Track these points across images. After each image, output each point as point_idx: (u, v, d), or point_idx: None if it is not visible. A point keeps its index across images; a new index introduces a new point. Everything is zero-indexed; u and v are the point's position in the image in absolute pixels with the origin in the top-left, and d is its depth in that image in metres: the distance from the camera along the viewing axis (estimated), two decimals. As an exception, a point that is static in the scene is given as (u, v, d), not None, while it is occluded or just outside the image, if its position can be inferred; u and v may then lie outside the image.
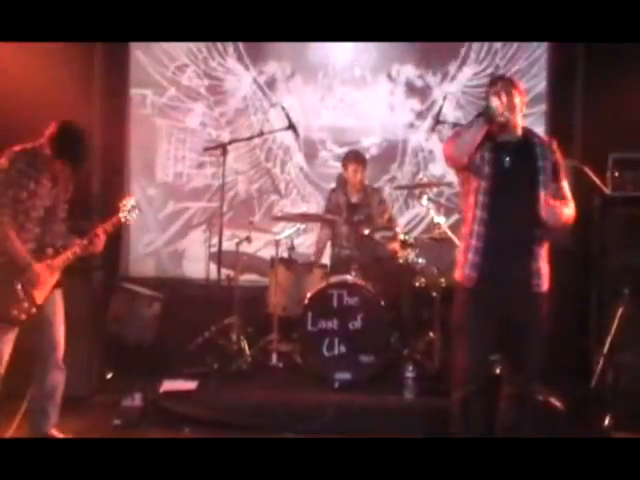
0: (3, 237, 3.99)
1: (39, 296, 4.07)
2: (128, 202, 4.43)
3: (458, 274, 3.74)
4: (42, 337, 4.19)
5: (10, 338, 4.11)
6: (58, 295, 4.24)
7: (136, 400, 4.73)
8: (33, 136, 4.20)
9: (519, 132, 3.69)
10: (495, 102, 3.54)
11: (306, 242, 6.34)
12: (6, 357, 4.12)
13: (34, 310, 4.04)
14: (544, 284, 3.67)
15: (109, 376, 5.35)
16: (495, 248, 3.63)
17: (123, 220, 4.39)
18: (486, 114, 3.54)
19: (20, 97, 5.25)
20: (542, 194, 3.60)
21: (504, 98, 3.58)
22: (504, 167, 3.63)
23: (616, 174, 5.30)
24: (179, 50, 6.61)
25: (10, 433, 4.27)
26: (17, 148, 4.10)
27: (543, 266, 3.68)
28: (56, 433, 4.27)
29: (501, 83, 3.67)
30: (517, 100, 3.65)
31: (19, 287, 3.99)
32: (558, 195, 3.69)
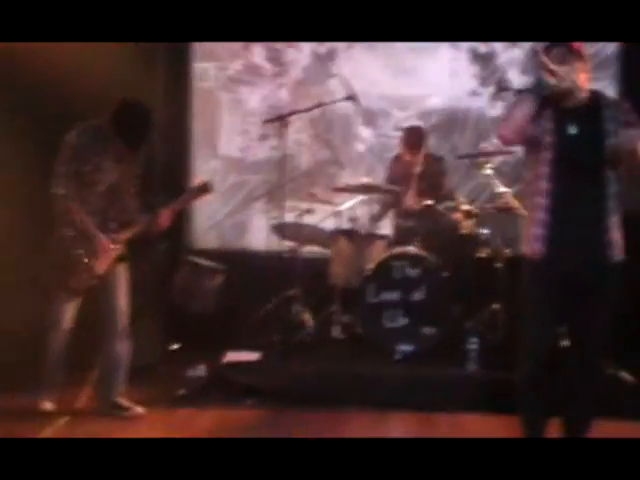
0: (66, 210, 4.10)
1: (100, 268, 4.15)
2: (199, 183, 4.46)
3: (525, 248, 3.64)
4: (107, 308, 4.30)
5: (71, 307, 4.25)
6: (122, 268, 4.31)
7: (200, 370, 4.83)
8: (97, 112, 4.27)
9: (584, 96, 3.54)
10: (546, 77, 3.38)
11: (368, 214, 6.27)
12: (68, 324, 4.27)
13: (94, 281, 4.14)
14: (617, 255, 3.55)
15: (174, 347, 5.44)
16: (563, 220, 3.51)
17: (191, 200, 4.50)
18: (535, 90, 3.41)
19: (83, 73, 5.30)
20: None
21: (558, 68, 3.42)
22: (568, 135, 3.48)
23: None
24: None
25: (82, 403, 4.40)
26: (82, 124, 4.18)
27: (615, 236, 3.55)
28: (124, 402, 4.37)
29: (556, 50, 3.47)
30: (576, 64, 3.47)
31: (80, 258, 4.08)
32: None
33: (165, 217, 4.31)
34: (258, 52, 6.61)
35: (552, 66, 3.42)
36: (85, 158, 4.12)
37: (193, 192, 4.48)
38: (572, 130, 3.49)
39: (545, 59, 3.47)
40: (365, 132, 6.62)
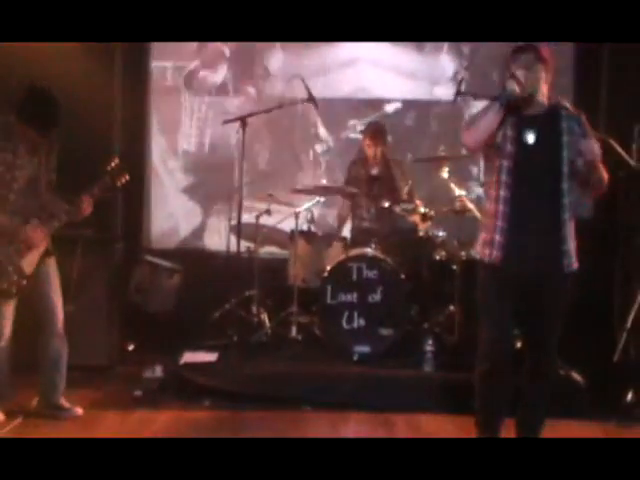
0: None
1: (28, 266, 4.07)
2: (114, 164, 4.30)
3: (481, 252, 3.69)
4: (39, 307, 4.22)
5: (8, 311, 4.12)
6: (50, 264, 4.24)
7: (157, 371, 4.80)
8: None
9: (545, 104, 3.60)
10: (512, 85, 3.43)
11: (327, 215, 6.31)
12: (7, 330, 4.15)
13: (24, 282, 4.06)
14: (571, 264, 3.63)
15: (131, 348, 5.40)
16: (519, 228, 3.57)
17: (110, 183, 4.27)
18: (503, 99, 3.45)
19: (39, 71, 5.22)
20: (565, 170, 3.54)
21: (525, 75, 3.47)
22: (527, 144, 3.54)
23: (642, 145, 5.21)
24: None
25: (32, 406, 4.33)
26: None
27: (570, 246, 3.63)
28: (64, 402, 4.31)
29: (523, 57, 3.53)
30: (542, 73, 3.55)
31: (6, 261, 3.99)
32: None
33: (86, 205, 4.17)
34: (219, 50, 6.59)
35: (518, 72, 3.47)
36: None
37: (110, 175, 4.27)
38: (531, 139, 3.54)
39: (512, 65, 3.54)
40: (324, 134, 6.64)
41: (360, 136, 6.12)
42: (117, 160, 4.33)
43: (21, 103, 4.00)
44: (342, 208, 6.05)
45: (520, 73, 3.48)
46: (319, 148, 6.67)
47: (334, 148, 6.65)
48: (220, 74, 6.64)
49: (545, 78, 3.58)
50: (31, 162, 4.10)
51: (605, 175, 3.60)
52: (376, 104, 6.60)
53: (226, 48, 6.61)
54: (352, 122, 6.63)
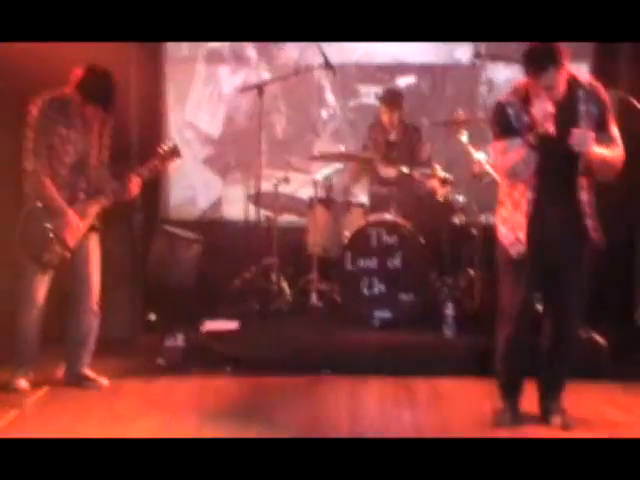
0: (38, 184, 4.08)
1: (72, 240, 4.13)
2: (167, 147, 4.39)
3: (506, 242, 3.68)
4: (76, 281, 4.29)
5: (44, 281, 4.21)
6: (93, 240, 4.30)
7: (179, 340, 4.82)
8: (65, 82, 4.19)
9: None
10: (546, 127, 3.41)
11: (344, 182, 6.27)
12: (41, 300, 4.23)
13: (67, 254, 4.13)
14: (595, 236, 3.61)
15: (152, 318, 5.43)
16: (541, 215, 3.58)
17: (159, 166, 4.37)
18: (537, 142, 3.45)
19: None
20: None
21: (552, 98, 3.43)
22: (548, 144, 3.48)
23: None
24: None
25: (58, 376, 4.38)
26: (46, 95, 4.13)
27: (594, 221, 3.61)
28: (90, 373, 4.37)
29: (544, 76, 3.41)
30: (564, 75, 3.48)
31: (51, 232, 4.05)
32: (606, 141, 3.56)
33: (133, 185, 4.27)
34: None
35: (550, 109, 3.41)
36: (51, 130, 4.08)
37: (161, 157, 4.39)
38: (552, 131, 3.47)
39: (535, 91, 3.46)
40: (341, 100, 6.59)
41: (374, 102, 6.05)
42: (171, 143, 4.44)
43: (83, 80, 4.07)
44: (353, 173, 5.99)
45: (548, 108, 3.42)
46: (324, 114, 6.60)
47: (345, 115, 6.57)
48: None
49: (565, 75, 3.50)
50: (84, 138, 4.17)
51: (615, 157, 3.56)
52: (390, 71, 6.52)
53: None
54: (365, 89, 6.56)
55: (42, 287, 4.22)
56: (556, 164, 3.54)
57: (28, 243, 4.12)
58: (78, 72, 4.11)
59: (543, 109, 3.42)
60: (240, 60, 6.55)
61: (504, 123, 3.60)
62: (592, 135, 3.46)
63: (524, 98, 3.56)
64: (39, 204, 4.10)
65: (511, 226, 3.65)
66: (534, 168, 3.52)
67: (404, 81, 6.49)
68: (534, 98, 3.48)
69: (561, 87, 3.47)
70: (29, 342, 4.29)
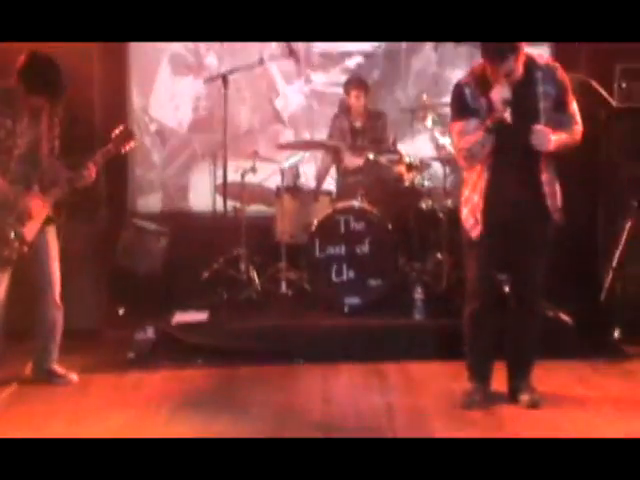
0: None
1: (29, 233, 4.05)
2: (119, 130, 4.29)
3: (465, 223, 3.75)
4: (37, 275, 4.22)
5: (3, 277, 4.12)
6: (50, 232, 4.23)
7: (149, 333, 4.80)
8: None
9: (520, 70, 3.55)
10: (504, 113, 3.46)
11: (310, 170, 6.26)
12: (2, 296, 4.14)
13: (25, 248, 4.04)
14: (554, 205, 3.66)
15: (121, 311, 5.41)
16: (500, 193, 3.63)
17: (113, 150, 4.26)
18: (496, 126, 3.49)
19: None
20: (539, 124, 3.54)
21: (511, 85, 3.47)
22: (504, 128, 3.52)
23: (623, 85, 5.19)
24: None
25: (26, 373, 4.33)
26: None
27: (552, 188, 3.66)
28: (58, 369, 4.31)
29: (504, 65, 3.45)
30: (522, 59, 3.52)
31: (8, 227, 3.97)
32: (565, 122, 3.61)
33: (88, 172, 4.16)
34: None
35: (505, 92, 3.45)
36: None
37: (114, 141, 4.26)
38: (506, 115, 3.49)
39: (495, 78, 3.49)
40: (306, 88, 6.57)
41: (340, 89, 6.04)
42: (123, 127, 4.32)
43: (24, 70, 3.96)
44: (322, 162, 6.00)
45: (506, 94, 3.45)
46: (279, 103, 6.58)
47: (314, 102, 6.57)
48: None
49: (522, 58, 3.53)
50: (32, 129, 4.07)
51: (574, 137, 3.64)
52: (336, 57, 6.51)
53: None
54: (320, 76, 6.55)
55: (2, 284, 4.14)
56: (514, 145, 3.58)
57: None
58: (20, 60, 3.98)
59: (501, 94, 3.46)
60: (201, 67, 6.50)
61: (462, 104, 3.65)
62: (550, 132, 3.53)
63: (482, 80, 3.60)
64: None
65: (471, 207, 3.70)
66: (490, 150, 3.56)
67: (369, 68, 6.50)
68: (492, 82, 3.52)
69: (519, 71, 3.51)
70: None
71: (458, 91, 3.67)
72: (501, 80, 3.48)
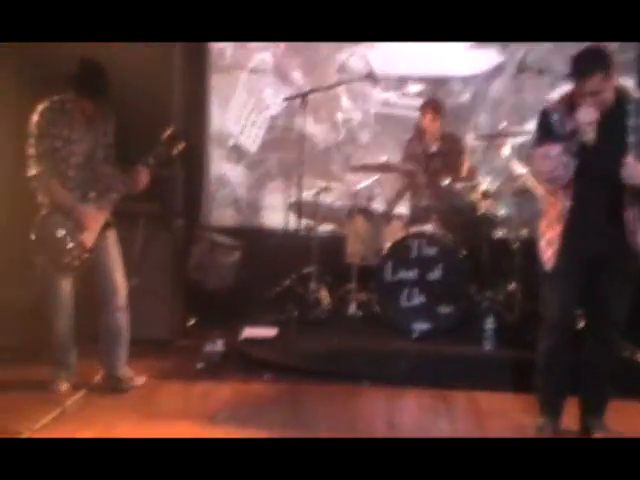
0: (46, 188, 4.09)
1: (89, 241, 4.13)
2: (168, 134, 4.30)
3: (544, 256, 3.68)
4: (100, 281, 4.27)
5: (68, 284, 4.23)
6: (110, 237, 4.29)
7: (218, 345, 4.87)
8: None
9: (611, 99, 3.48)
10: (588, 134, 3.38)
11: (383, 192, 6.26)
12: (68, 303, 4.26)
13: (85, 255, 4.12)
14: (637, 242, 3.58)
15: (192, 322, 5.48)
16: (583, 226, 3.56)
17: (164, 153, 4.28)
18: (577, 146, 3.41)
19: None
20: (631, 156, 3.45)
21: (596, 104, 3.39)
22: (589, 151, 3.44)
23: None
24: None
25: (97, 379, 4.42)
26: (45, 101, 4.13)
27: (636, 225, 3.58)
28: (127, 373, 4.39)
29: (589, 82, 3.38)
30: (611, 84, 3.44)
31: (68, 235, 4.06)
32: None
33: (141, 175, 4.20)
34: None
35: (594, 116, 3.38)
36: (54, 134, 4.07)
37: (163, 144, 4.28)
38: (594, 141, 3.43)
39: (580, 94, 3.43)
40: (383, 110, 6.59)
41: (416, 113, 6.04)
42: (171, 130, 4.32)
43: (73, 75, 4.08)
44: (396, 186, 5.99)
45: (592, 115, 3.38)
46: (353, 124, 6.60)
47: (390, 124, 6.58)
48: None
49: (613, 82, 3.47)
50: (87, 136, 4.18)
51: None
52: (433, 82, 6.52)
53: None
54: (401, 99, 6.56)
55: (67, 290, 4.24)
56: (599, 176, 3.51)
57: (46, 248, 4.11)
58: (71, 69, 4.10)
59: (587, 114, 3.39)
60: (285, 79, 6.58)
61: (547, 129, 3.60)
62: None
63: (569, 106, 3.54)
64: (51, 209, 4.10)
65: (550, 237, 3.63)
66: (572, 175, 3.49)
67: (447, 92, 6.49)
68: (579, 105, 3.45)
69: (608, 95, 3.45)
70: (64, 345, 4.32)
71: (544, 116, 3.63)
72: (588, 100, 3.42)
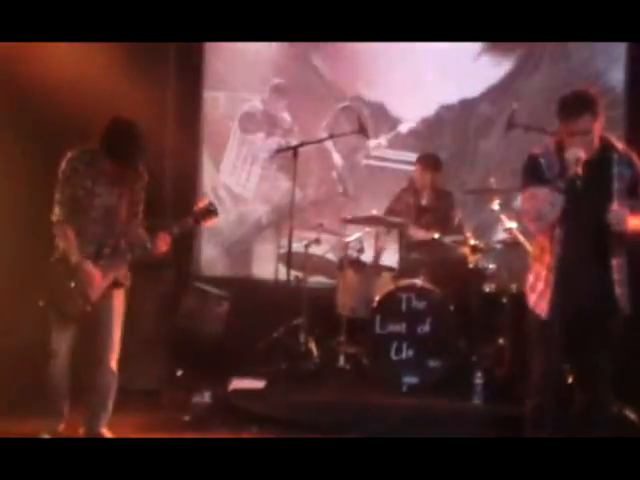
0: (60, 235, 4.04)
1: (93, 293, 4.02)
2: (203, 205, 4.22)
3: (531, 302, 3.70)
4: (97, 337, 4.14)
5: (67, 335, 4.11)
6: (118, 297, 4.16)
7: (206, 397, 4.82)
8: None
9: (596, 147, 3.55)
10: (576, 171, 3.39)
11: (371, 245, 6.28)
12: (64, 352, 4.13)
13: (88, 308, 4.02)
14: (621, 306, 3.60)
15: (179, 373, 5.44)
16: (569, 273, 3.52)
17: (193, 224, 4.21)
18: (567, 187, 3.41)
19: (92, 99, 5.35)
20: (616, 203, 3.50)
21: (584, 145, 3.44)
22: (576, 195, 3.44)
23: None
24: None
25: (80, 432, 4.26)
26: (75, 149, 4.11)
27: (621, 284, 3.60)
28: (106, 433, 4.22)
29: (579, 122, 3.44)
30: (598, 127, 3.51)
31: (74, 283, 3.99)
32: (638, 207, 3.58)
33: (162, 242, 4.10)
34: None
35: (579, 153, 3.40)
36: (78, 182, 4.02)
37: (195, 215, 4.20)
38: (579, 184, 3.43)
39: (567, 135, 3.48)
40: (373, 164, 6.67)
41: (407, 167, 6.12)
42: (207, 201, 4.25)
43: (103, 134, 4.01)
44: (379, 239, 6.01)
45: (580, 153, 3.41)
46: (334, 175, 6.68)
47: (381, 177, 6.65)
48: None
49: (600, 125, 3.54)
50: (111, 192, 4.09)
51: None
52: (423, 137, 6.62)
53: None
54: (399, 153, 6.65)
55: (65, 339, 4.13)
56: (585, 223, 3.54)
57: (52, 293, 4.05)
58: (104, 124, 4.04)
59: (575, 153, 3.42)
60: (274, 124, 6.67)
61: (534, 173, 3.61)
62: (627, 212, 3.48)
63: (557, 149, 3.59)
64: (64, 255, 4.03)
65: (542, 288, 3.64)
66: (559, 214, 3.47)
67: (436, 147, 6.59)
68: (567, 147, 3.49)
69: (595, 137, 3.50)
70: (56, 393, 4.20)
71: (530, 161, 3.66)
72: (576, 141, 3.46)
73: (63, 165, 4.06)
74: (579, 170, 3.41)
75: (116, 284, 4.13)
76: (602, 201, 3.51)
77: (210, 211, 4.22)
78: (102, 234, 4.09)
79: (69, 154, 4.08)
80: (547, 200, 3.50)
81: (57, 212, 4.06)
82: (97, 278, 4.01)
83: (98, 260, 4.04)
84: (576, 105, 3.48)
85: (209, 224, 4.29)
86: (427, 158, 5.90)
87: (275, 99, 6.66)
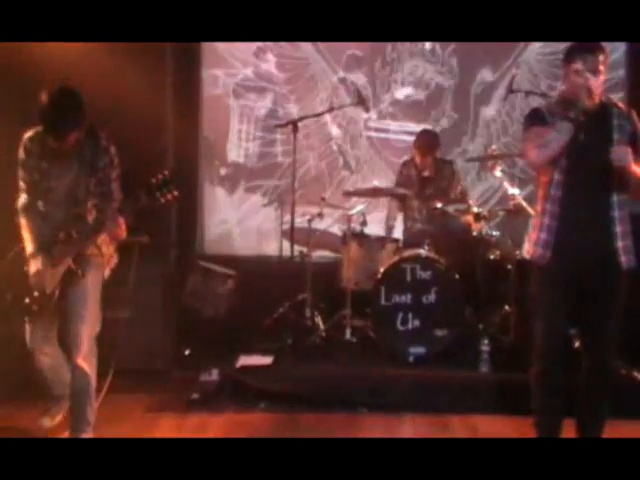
0: (21, 223, 3.77)
1: (48, 285, 3.69)
2: (155, 178, 3.62)
3: (529, 251, 3.68)
4: (61, 332, 3.84)
5: (39, 330, 3.83)
6: (79, 284, 3.73)
7: (213, 375, 4.84)
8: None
9: (597, 101, 3.54)
10: (584, 99, 3.42)
11: (377, 217, 6.28)
12: (43, 349, 3.86)
13: (46, 301, 3.69)
14: (625, 261, 3.57)
15: (186, 352, 5.46)
16: (570, 226, 3.55)
17: (146, 199, 3.61)
18: (577, 116, 3.43)
19: (91, 79, 5.30)
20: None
21: (594, 83, 3.45)
22: (578, 142, 3.48)
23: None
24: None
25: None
26: (30, 130, 3.75)
27: (625, 242, 3.57)
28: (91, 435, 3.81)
29: (591, 59, 3.46)
30: (604, 76, 3.53)
31: (31, 276, 3.68)
32: (637, 160, 3.56)
33: (117, 224, 3.62)
34: (268, 61, 6.61)
35: (589, 81, 3.43)
36: (32, 165, 3.69)
37: (147, 188, 3.59)
38: (582, 138, 3.48)
39: (578, 68, 3.48)
40: (374, 137, 6.63)
41: (408, 138, 6.07)
42: (163, 174, 3.63)
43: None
44: (390, 210, 6.01)
45: (590, 81, 3.44)
46: (345, 150, 6.64)
47: (382, 150, 6.61)
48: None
49: (605, 74, 3.56)
50: (66, 172, 3.71)
51: None
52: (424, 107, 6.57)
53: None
54: (399, 124, 6.61)
55: (38, 334, 3.81)
56: (588, 170, 3.52)
57: (13, 286, 3.74)
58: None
59: (584, 79, 3.44)
60: (264, 79, 6.60)
61: (538, 117, 3.63)
62: (630, 151, 3.46)
63: (559, 102, 3.63)
64: (20, 246, 3.77)
65: (536, 235, 3.62)
66: (564, 149, 3.47)
67: (437, 117, 6.54)
68: (574, 79, 3.49)
69: (597, 90, 3.49)
70: (52, 386, 3.99)
71: (534, 111, 3.70)
72: (584, 75, 3.46)
73: (19, 149, 3.73)
74: (588, 103, 3.43)
75: (72, 273, 3.70)
76: (604, 144, 3.50)
77: (167, 184, 3.61)
78: (66, 219, 3.72)
79: (24, 136, 3.74)
80: (555, 129, 3.50)
81: (20, 199, 3.78)
82: (48, 268, 3.68)
83: (67, 246, 3.68)
84: (591, 45, 3.51)
85: (168, 200, 3.64)
86: (422, 146, 5.74)
87: (263, 59, 6.59)
